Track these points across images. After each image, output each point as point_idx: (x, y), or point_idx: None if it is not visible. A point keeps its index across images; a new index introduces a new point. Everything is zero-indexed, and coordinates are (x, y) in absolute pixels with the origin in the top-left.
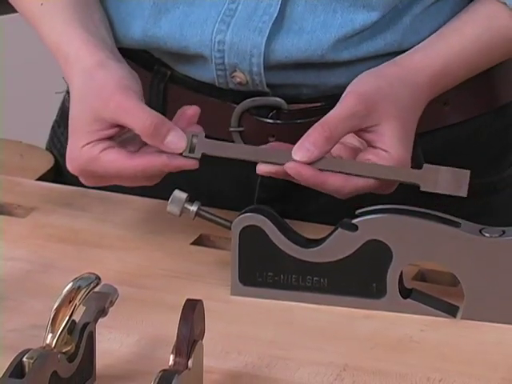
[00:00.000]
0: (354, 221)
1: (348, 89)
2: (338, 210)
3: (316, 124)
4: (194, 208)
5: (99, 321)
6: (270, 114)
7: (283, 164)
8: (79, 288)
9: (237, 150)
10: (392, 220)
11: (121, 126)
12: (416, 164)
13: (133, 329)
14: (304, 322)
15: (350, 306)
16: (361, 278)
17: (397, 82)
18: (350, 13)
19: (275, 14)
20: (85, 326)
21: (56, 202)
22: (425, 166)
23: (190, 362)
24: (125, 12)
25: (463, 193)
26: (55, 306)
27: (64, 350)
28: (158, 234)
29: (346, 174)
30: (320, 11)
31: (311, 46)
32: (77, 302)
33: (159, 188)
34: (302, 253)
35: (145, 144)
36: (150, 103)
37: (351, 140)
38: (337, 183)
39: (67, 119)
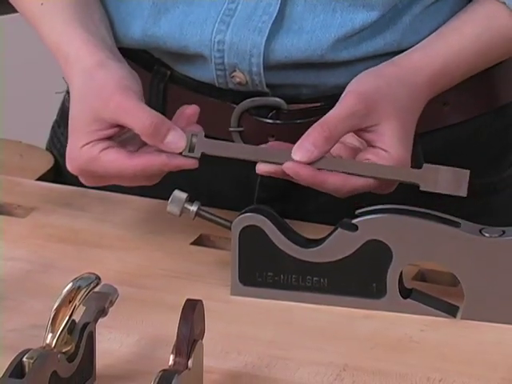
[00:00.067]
0: (354, 221)
1: (347, 88)
2: (337, 210)
3: (315, 124)
4: (193, 208)
5: (99, 321)
6: (270, 114)
7: (283, 164)
8: (79, 288)
9: (236, 150)
10: (392, 220)
11: (120, 126)
12: (416, 164)
13: (133, 329)
14: (304, 322)
15: (350, 306)
16: (361, 278)
17: (395, 82)
18: (350, 12)
19: (275, 14)
20: (85, 325)
21: (56, 202)
22: (424, 165)
23: (189, 361)
24: (125, 12)
25: (463, 192)
26: (55, 306)
27: (64, 350)
28: (157, 233)
29: (346, 173)
30: (319, 11)
31: (311, 45)
32: (77, 301)
33: (159, 188)
34: (301, 253)
35: (144, 144)
36: (149, 103)
37: (351, 140)
38: (336, 183)
39: (67, 119)
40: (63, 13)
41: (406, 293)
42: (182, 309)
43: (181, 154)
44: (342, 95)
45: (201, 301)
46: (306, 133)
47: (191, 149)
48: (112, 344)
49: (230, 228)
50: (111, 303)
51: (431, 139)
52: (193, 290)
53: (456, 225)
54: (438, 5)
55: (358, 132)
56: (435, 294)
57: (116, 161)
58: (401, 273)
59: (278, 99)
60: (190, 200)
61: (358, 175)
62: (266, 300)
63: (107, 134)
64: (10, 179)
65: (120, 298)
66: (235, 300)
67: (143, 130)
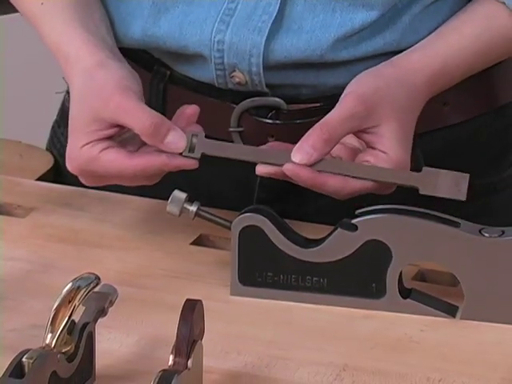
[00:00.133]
0: (354, 221)
1: (347, 90)
2: (337, 210)
3: (315, 125)
4: (193, 208)
5: (99, 321)
6: (270, 114)
7: (282, 165)
8: (79, 288)
9: (236, 151)
10: (392, 220)
11: (120, 126)
12: (415, 165)
13: (132, 329)
14: (303, 322)
15: (350, 306)
16: (360, 278)
17: (394, 83)
18: (350, 12)
19: (274, 14)
20: (84, 326)
21: (56, 201)
22: (424, 169)
23: (189, 362)
24: (125, 12)
25: (462, 196)
26: (55, 306)
27: (63, 350)
28: (157, 233)
29: (345, 175)
30: (319, 10)
31: (310, 45)
32: (76, 302)
33: (159, 188)
34: (301, 253)
35: (144, 144)
36: (149, 103)
37: (351, 140)
38: (336, 185)
39: (67, 119)
40: (63, 12)
41: (405, 293)
42: (182, 309)
43: (181, 154)
44: (342, 96)
45: (200, 301)
46: (306, 135)
47: (191, 149)
48: (112, 344)
49: (229, 228)
50: (111, 303)
51: (431, 139)
52: (192, 290)
53: (456, 225)
54: (438, 4)
55: (358, 133)
56: (435, 294)
57: (116, 161)
58: (400, 273)
59: (277, 99)
60: (190, 200)
61: (358, 178)
62: (265, 300)
63: (107, 134)
64: (10, 179)
65: (120, 298)
66: (235, 300)
67: (143, 130)
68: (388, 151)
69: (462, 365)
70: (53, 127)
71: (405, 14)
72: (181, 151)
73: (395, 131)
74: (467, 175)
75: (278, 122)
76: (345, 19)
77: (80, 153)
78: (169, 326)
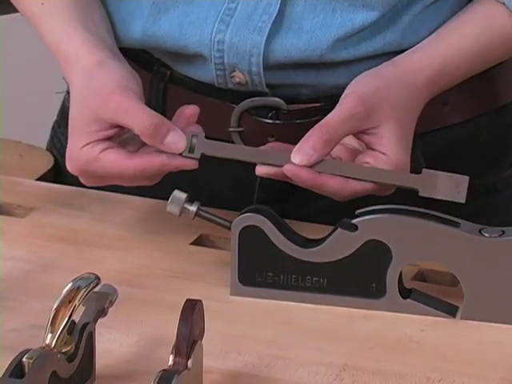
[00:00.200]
0: (354, 221)
1: (347, 90)
2: (337, 211)
3: (315, 126)
4: (193, 208)
5: (99, 321)
6: (270, 114)
7: (282, 166)
8: (79, 288)
9: (236, 151)
10: (391, 220)
11: (120, 127)
12: (415, 166)
13: (132, 329)
14: (303, 322)
15: (350, 306)
16: (360, 278)
17: (395, 83)
18: (350, 12)
19: (275, 14)
20: (84, 326)
21: (56, 201)
22: (424, 171)
23: (189, 362)
24: (125, 12)
25: (462, 199)
26: (55, 306)
27: (64, 350)
28: (157, 233)
29: (345, 177)
30: (319, 11)
31: (310, 45)
32: (76, 302)
33: (159, 188)
34: (301, 253)
35: (144, 144)
36: (149, 103)
37: (350, 141)
38: (335, 186)
39: (67, 119)
40: (63, 12)
41: (405, 293)
42: (182, 309)
43: (181, 154)
44: (342, 97)
45: (200, 301)
46: (306, 135)
47: (191, 149)
48: (112, 344)
49: (229, 228)
50: (111, 303)
51: (431, 139)
52: (192, 289)
53: (456, 225)
54: (438, 5)
55: (357, 134)
56: (435, 294)
57: (116, 161)
58: (400, 273)
59: (277, 99)
60: (190, 200)
61: (358, 179)
62: (265, 300)
63: (107, 134)
64: (10, 179)
65: (120, 298)
66: (235, 300)
67: (143, 130)
68: (388, 152)
69: (462, 365)
70: (53, 127)
71: (405, 14)
72: (181, 151)
73: (395, 132)
74: (467, 178)
75: (278, 122)
76: (345, 19)
77: (80, 153)
78: (169, 326)
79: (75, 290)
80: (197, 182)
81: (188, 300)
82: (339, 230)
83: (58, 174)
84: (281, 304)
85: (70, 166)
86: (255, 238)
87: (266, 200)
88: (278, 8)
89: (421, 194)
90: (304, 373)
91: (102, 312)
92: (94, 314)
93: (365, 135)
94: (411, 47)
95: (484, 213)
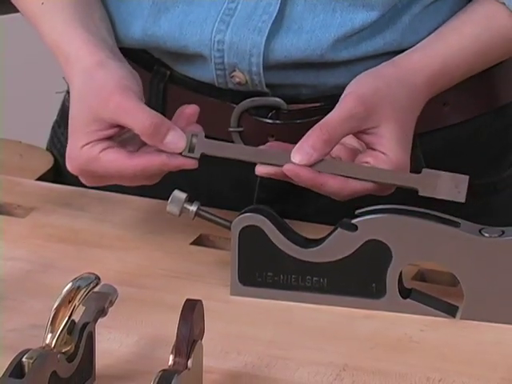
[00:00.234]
0: (354, 221)
1: (347, 90)
2: (337, 210)
3: (315, 126)
4: (193, 208)
5: (99, 321)
6: (270, 114)
7: (282, 165)
8: (79, 288)
9: (236, 151)
10: (391, 220)
11: (120, 126)
12: (415, 166)
13: (132, 329)
14: (303, 322)
15: (350, 306)
16: (360, 278)
17: (395, 83)
18: (350, 12)
19: (275, 14)
20: (84, 325)
21: (56, 201)
22: (424, 170)
23: (189, 361)
24: (125, 12)
25: (462, 198)
26: (55, 306)
27: (63, 350)
28: (157, 233)
29: (345, 177)
30: (319, 10)
31: (310, 45)
32: (76, 301)
33: (159, 188)
34: (301, 253)
35: (144, 144)
36: (149, 103)
37: (350, 141)
38: (335, 186)
39: (67, 119)
40: (63, 12)
41: (405, 293)
42: (182, 309)
43: (181, 154)
44: (342, 97)
45: (200, 301)
46: (306, 135)
47: (191, 149)
48: (112, 344)
49: (229, 228)
50: (111, 303)
51: (431, 139)
52: (192, 289)
53: (456, 225)
54: (438, 4)
55: (357, 134)
56: (435, 294)
57: (116, 161)
58: (400, 273)
59: (277, 99)
60: (190, 200)
61: (358, 179)
62: (265, 300)
63: (107, 134)
64: (10, 179)
65: (120, 298)
66: (235, 300)
67: (143, 130)
68: (388, 152)
69: (462, 365)
70: (53, 127)
71: (405, 14)
72: (180, 151)
73: (395, 132)
74: (467, 177)
75: (278, 121)
76: (345, 19)
77: (80, 153)
78: (169, 326)
79: (75, 290)
80: (197, 181)
81: (188, 300)
82: (339, 229)
83: (58, 173)
84: (281, 304)
85: (70, 166)
86: (255, 238)
87: (266, 200)
88: (277, 8)
89: (421, 194)
90: (304, 373)
91: (102, 312)
92: (94, 314)
93: (365, 135)
94: (411, 47)
95: (484, 213)
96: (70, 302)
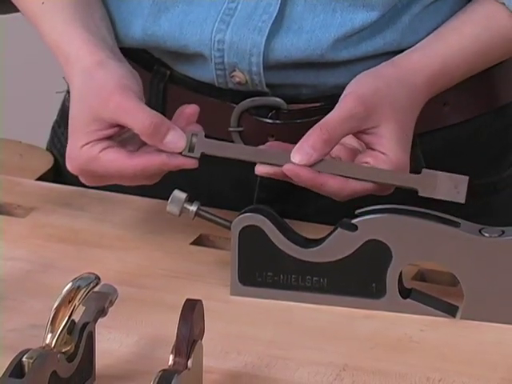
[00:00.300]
0: (354, 221)
1: (346, 90)
2: (337, 210)
3: (315, 126)
4: (193, 208)
5: (99, 321)
6: (270, 113)
7: (282, 165)
8: (79, 288)
9: (236, 150)
10: (391, 220)
11: (120, 126)
12: (415, 166)
13: (132, 329)
14: (303, 322)
15: (350, 306)
16: (360, 278)
17: (395, 83)
18: (350, 12)
19: (275, 14)
20: (84, 325)
21: (56, 201)
22: (423, 171)
23: (189, 361)
24: (126, 11)
25: (461, 199)
26: (55, 306)
27: (63, 350)
28: (157, 233)
29: (345, 176)
30: (319, 11)
31: (310, 45)
32: (76, 301)
33: (159, 188)
34: (301, 253)
35: (144, 143)
36: (149, 103)
37: (350, 141)
38: (335, 186)
39: (67, 119)
40: (64, 12)
41: (405, 293)
42: (182, 309)
43: (181, 153)
44: (341, 97)
45: (200, 301)
46: (306, 135)
47: (191, 149)
48: (112, 344)
49: (229, 228)
50: (111, 303)
51: (431, 139)
52: (192, 289)
53: (456, 225)
54: (438, 4)
55: (357, 134)
56: (435, 294)
57: (116, 160)
58: (400, 273)
59: (277, 99)
60: (190, 200)
61: (357, 179)
62: (265, 300)
63: (107, 133)
64: (10, 179)
65: (120, 297)
66: (235, 300)
67: (143, 129)
68: (387, 152)
69: (462, 365)
70: (53, 127)
71: (405, 14)
72: (180, 151)
73: (394, 132)
74: (466, 178)
75: (278, 121)
76: (345, 19)
77: (80, 153)
78: (169, 326)
79: (75, 290)
80: (197, 181)
81: (188, 300)
82: (339, 229)
83: (58, 173)
84: (281, 304)
85: (70, 166)
86: (255, 238)
87: (266, 200)
88: (278, 8)
89: (420, 194)
90: (304, 373)
91: (102, 312)
92: (94, 314)
93: (364, 135)
94: (411, 47)
95: (484, 213)
96: (70, 301)
